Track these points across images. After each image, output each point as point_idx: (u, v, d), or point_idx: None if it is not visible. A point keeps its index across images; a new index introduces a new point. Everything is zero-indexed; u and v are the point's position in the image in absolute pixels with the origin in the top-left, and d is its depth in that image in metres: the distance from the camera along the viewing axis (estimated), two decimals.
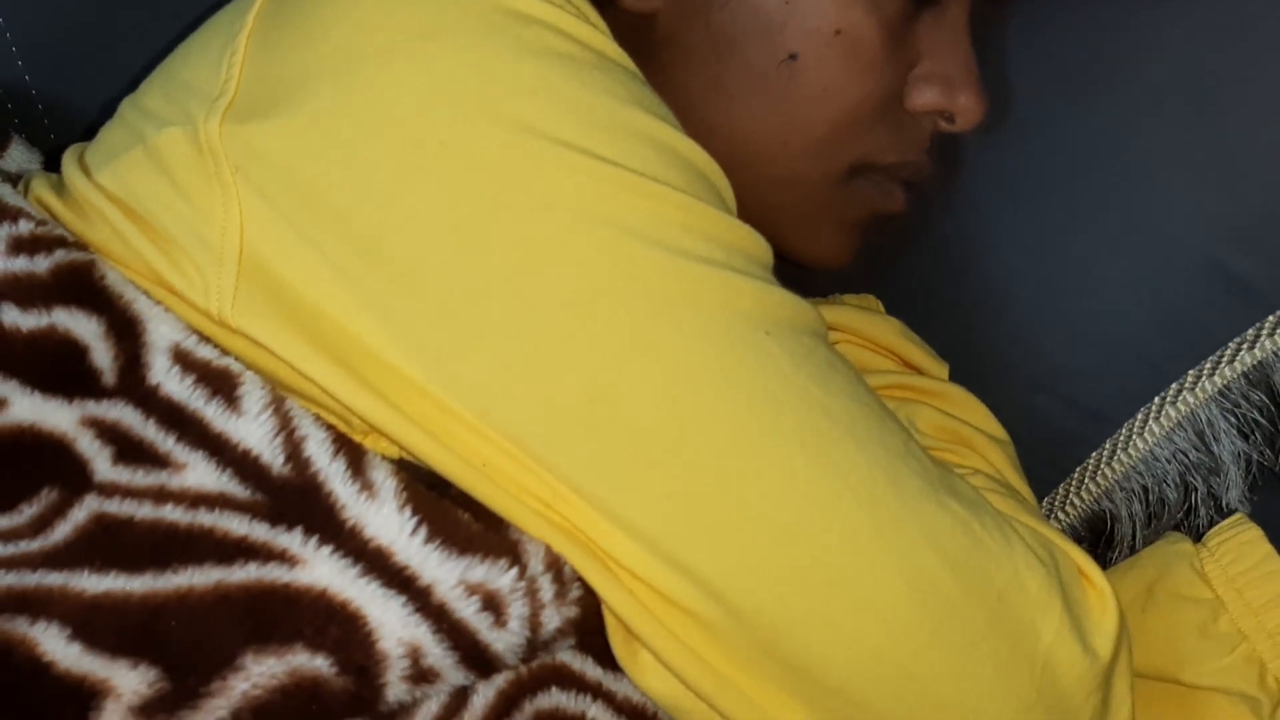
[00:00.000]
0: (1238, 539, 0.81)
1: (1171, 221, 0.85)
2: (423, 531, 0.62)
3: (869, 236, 0.84)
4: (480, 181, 0.62)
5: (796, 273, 0.83)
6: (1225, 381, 0.85)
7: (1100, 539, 0.89)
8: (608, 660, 0.65)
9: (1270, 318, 0.85)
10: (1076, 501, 0.89)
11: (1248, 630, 0.79)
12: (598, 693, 0.65)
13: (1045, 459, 0.88)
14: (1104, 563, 0.84)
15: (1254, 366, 0.85)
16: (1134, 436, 0.87)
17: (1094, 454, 0.88)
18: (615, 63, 0.66)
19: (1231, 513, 0.85)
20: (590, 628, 0.64)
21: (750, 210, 0.70)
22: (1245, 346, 0.85)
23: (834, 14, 0.75)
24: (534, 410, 0.62)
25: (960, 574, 0.63)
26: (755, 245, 0.66)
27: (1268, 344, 0.84)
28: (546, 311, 0.62)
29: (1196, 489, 0.87)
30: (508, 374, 0.62)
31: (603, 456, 0.62)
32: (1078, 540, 0.89)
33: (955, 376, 0.87)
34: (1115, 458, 0.88)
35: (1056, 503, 0.90)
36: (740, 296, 0.64)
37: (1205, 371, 0.86)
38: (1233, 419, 0.86)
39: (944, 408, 0.83)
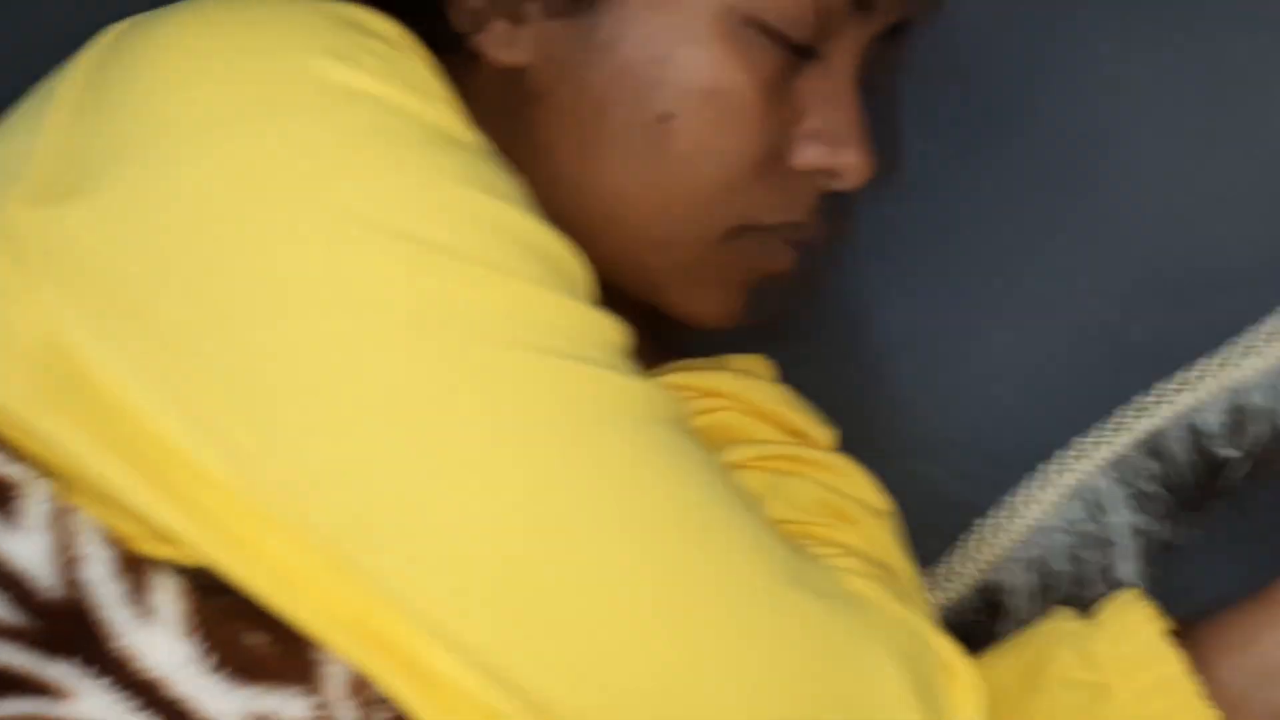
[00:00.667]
0: (1127, 617, 0.78)
1: (1062, 287, 0.83)
2: (206, 659, 0.59)
3: (757, 296, 0.81)
4: (293, 274, 0.59)
5: (683, 333, 0.80)
6: (1117, 451, 0.82)
7: (993, 610, 0.87)
8: None
9: (1169, 384, 0.82)
10: (964, 572, 0.86)
11: (1131, 717, 0.76)
12: None
13: (933, 527, 0.85)
14: (994, 636, 0.82)
15: (1148, 435, 0.82)
16: (1022, 506, 0.84)
17: (982, 523, 0.86)
18: (454, 140, 0.63)
19: (1130, 586, 0.82)
20: None
21: (628, 271, 0.68)
22: (1141, 414, 0.82)
23: (708, 72, 0.72)
24: (351, 513, 0.59)
25: (809, 680, 0.61)
26: (604, 331, 0.63)
27: (1164, 411, 0.82)
28: (366, 410, 0.59)
29: (1089, 562, 0.84)
30: (324, 474, 0.59)
31: (422, 562, 0.59)
32: (967, 612, 0.87)
33: (844, 440, 0.84)
34: (1004, 528, 0.85)
35: (944, 573, 0.87)
36: (583, 387, 0.61)
37: (1097, 440, 0.83)
38: (1126, 489, 0.83)
39: (825, 479, 0.80)
